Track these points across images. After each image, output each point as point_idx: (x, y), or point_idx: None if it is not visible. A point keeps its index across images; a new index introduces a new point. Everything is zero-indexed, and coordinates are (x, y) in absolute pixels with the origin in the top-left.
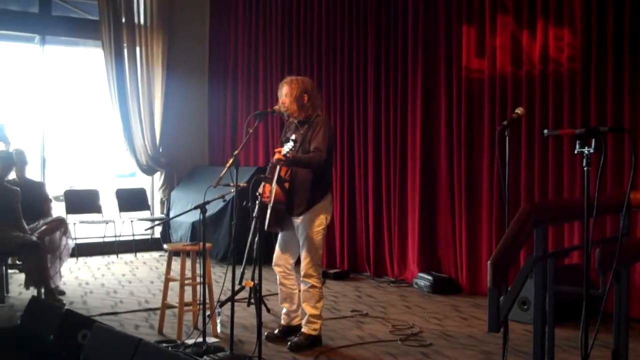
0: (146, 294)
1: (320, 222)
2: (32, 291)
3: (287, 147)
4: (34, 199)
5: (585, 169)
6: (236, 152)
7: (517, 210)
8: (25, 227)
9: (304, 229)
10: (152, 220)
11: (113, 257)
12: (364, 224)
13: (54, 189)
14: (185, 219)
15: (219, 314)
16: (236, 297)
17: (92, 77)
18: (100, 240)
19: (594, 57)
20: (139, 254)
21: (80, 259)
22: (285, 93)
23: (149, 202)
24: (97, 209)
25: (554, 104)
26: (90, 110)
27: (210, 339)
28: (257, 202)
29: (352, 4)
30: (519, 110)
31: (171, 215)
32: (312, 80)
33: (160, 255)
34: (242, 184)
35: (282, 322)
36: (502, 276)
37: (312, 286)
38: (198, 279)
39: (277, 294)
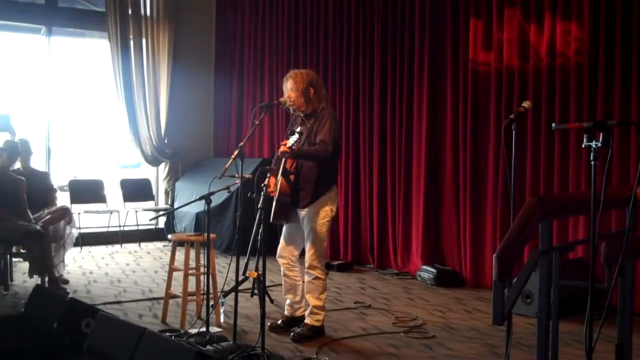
0: (150, 283)
1: (325, 215)
2: (36, 279)
3: (293, 139)
4: (38, 189)
5: (592, 162)
6: (241, 143)
7: (522, 203)
8: (30, 217)
9: (308, 221)
10: (157, 210)
11: (117, 246)
12: (368, 216)
13: (59, 178)
14: (189, 209)
15: (223, 304)
16: (240, 288)
17: (98, 69)
18: (105, 230)
19: (602, 50)
20: (143, 244)
21: (85, 248)
22: (290, 87)
23: (154, 193)
24: (101, 199)
25: (561, 97)
26: (95, 101)
27: (214, 329)
28: (262, 193)
29: None
30: (525, 104)
31: (176, 205)
32: (317, 71)
33: (165, 246)
34: (247, 175)
35: (286, 312)
36: (508, 269)
37: (316, 277)
38: (202, 269)
39: (280, 284)
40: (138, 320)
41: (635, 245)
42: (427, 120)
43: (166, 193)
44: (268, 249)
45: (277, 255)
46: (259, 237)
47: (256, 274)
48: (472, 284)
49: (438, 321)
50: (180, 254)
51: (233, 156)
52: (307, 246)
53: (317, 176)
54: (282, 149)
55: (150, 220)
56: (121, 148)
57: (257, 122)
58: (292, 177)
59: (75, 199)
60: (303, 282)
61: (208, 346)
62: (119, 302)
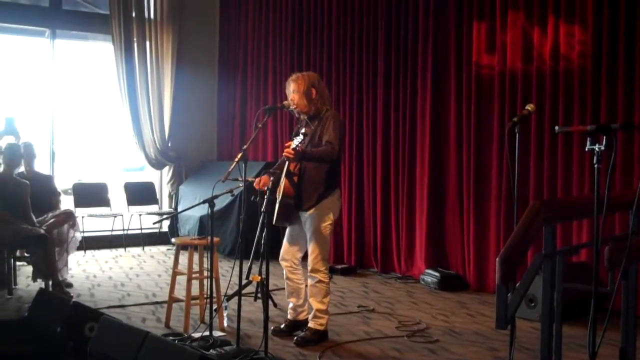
0: (153, 287)
1: (329, 218)
2: (40, 283)
3: (297, 140)
4: (42, 192)
5: (595, 166)
6: (245, 146)
7: (525, 207)
8: (33, 220)
9: (311, 224)
10: (160, 214)
11: (121, 250)
12: (371, 219)
13: (63, 182)
14: (193, 213)
15: (226, 308)
16: (243, 292)
17: (102, 72)
18: (109, 233)
19: (605, 54)
20: (146, 248)
21: (89, 252)
22: (293, 89)
23: (157, 196)
24: (105, 203)
25: (564, 100)
26: (99, 104)
27: (217, 333)
28: (265, 196)
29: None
30: (529, 107)
31: (179, 209)
32: (321, 75)
33: (168, 249)
34: (250, 178)
35: (289, 316)
36: (511, 273)
37: (319, 281)
38: (205, 273)
39: (284, 288)
40: (141, 324)
41: (639, 249)
42: (431, 124)
43: (170, 196)
44: (271, 253)
45: (279, 258)
46: (262, 241)
47: (259, 277)
48: (475, 287)
49: (441, 325)
50: (183, 258)
51: (236, 159)
52: (310, 249)
53: (320, 179)
54: (286, 150)
55: (154, 223)
56: (125, 151)
57: (260, 125)
58: (295, 178)
59: (79, 203)
60: (306, 285)
61: (211, 350)
62: (122, 306)
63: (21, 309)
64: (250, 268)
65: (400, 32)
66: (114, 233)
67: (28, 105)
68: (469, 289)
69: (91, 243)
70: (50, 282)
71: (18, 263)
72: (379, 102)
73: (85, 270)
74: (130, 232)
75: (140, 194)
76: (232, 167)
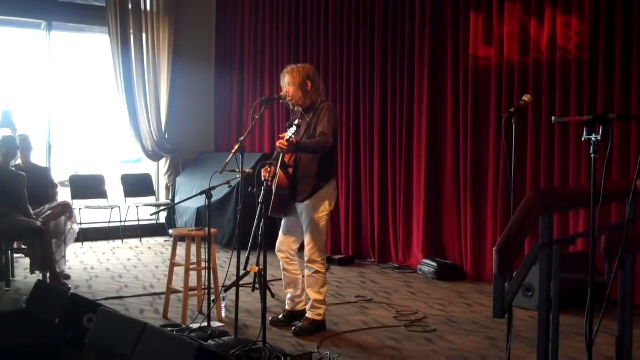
0: (151, 278)
1: (324, 208)
2: (38, 275)
3: (290, 132)
4: (39, 184)
5: (592, 156)
6: (242, 138)
7: (522, 197)
8: (30, 212)
9: (307, 215)
10: (158, 205)
11: (118, 242)
12: (369, 210)
13: (60, 174)
14: (190, 204)
15: (224, 299)
16: (241, 282)
17: (99, 64)
18: (106, 225)
19: (602, 44)
20: (144, 239)
21: (86, 243)
22: (288, 82)
23: (155, 188)
24: (102, 195)
25: (561, 91)
26: (96, 96)
27: (215, 324)
28: (262, 187)
29: None
30: (526, 98)
31: (177, 200)
32: (317, 66)
33: (166, 241)
34: (247, 169)
35: (287, 307)
36: (508, 263)
37: (316, 272)
38: (203, 264)
39: (281, 279)
40: (139, 316)
41: (635, 238)
42: (428, 115)
43: (167, 188)
44: (269, 244)
45: (275, 250)
46: (259, 232)
47: (257, 268)
48: (473, 277)
49: (439, 315)
50: (181, 249)
51: (234, 151)
52: (306, 240)
53: (316, 170)
54: (280, 142)
55: (151, 215)
56: (122, 143)
57: (257, 117)
58: (290, 170)
59: (76, 195)
60: (303, 276)
61: (210, 341)
62: (120, 298)
63: (19, 301)
64: (248, 259)
65: (397, 24)
66: (112, 225)
67: (24, 97)
68: (467, 279)
69: (88, 235)
70: (48, 274)
71: (16, 255)
72: (376, 93)
73: (83, 262)
74: (127, 223)
75: (137, 186)
76: (229, 158)
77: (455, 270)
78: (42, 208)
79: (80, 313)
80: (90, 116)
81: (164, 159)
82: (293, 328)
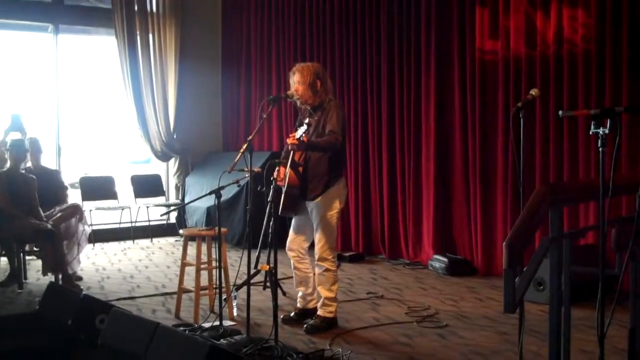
0: (163, 278)
1: (335, 206)
2: (50, 277)
3: (301, 130)
4: (49, 187)
5: (600, 149)
6: (250, 137)
7: (531, 191)
8: (41, 215)
9: (317, 213)
10: (168, 205)
11: (129, 242)
12: (378, 206)
13: (70, 176)
14: (200, 204)
15: (235, 298)
16: (252, 281)
17: (106, 66)
18: (116, 226)
19: (609, 37)
20: (154, 240)
21: (97, 244)
22: (297, 80)
23: (164, 188)
24: (112, 196)
25: (569, 84)
26: (104, 98)
27: (227, 323)
28: (271, 186)
29: None
30: (533, 92)
31: (186, 200)
32: (325, 63)
33: (176, 241)
34: (256, 168)
35: (298, 305)
36: (518, 257)
37: (327, 269)
38: (214, 263)
39: (292, 277)
40: (152, 316)
41: None
42: (435, 110)
43: (176, 188)
44: (279, 242)
45: (286, 248)
46: (269, 230)
47: (268, 266)
48: (483, 272)
49: (450, 310)
50: (192, 249)
51: (242, 150)
52: (317, 238)
53: (325, 168)
54: (290, 140)
55: (162, 215)
56: (131, 144)
57: (265, 116)
58: (300, 169)
59: (86, 196)
60: (314, 274)
61: (222, 340)
62: (132, 298)
63: (32, 303)
64: (258, 257)
65: (403, 19)
66: (122, 226)
67: (33, 100)
68: (477, 274)
69: (99, 236)
70: (60, 276)
71: (28, 257)
72: (383, 90)
73: (94, 263)
74: (138, 224)
75: (147, 186)
76: (237, 157)
77: (466, 265)
78: (53, 210)
79: (93, 314)
80: (99, 118)
81: (173, 159)
82: (305, 326)
